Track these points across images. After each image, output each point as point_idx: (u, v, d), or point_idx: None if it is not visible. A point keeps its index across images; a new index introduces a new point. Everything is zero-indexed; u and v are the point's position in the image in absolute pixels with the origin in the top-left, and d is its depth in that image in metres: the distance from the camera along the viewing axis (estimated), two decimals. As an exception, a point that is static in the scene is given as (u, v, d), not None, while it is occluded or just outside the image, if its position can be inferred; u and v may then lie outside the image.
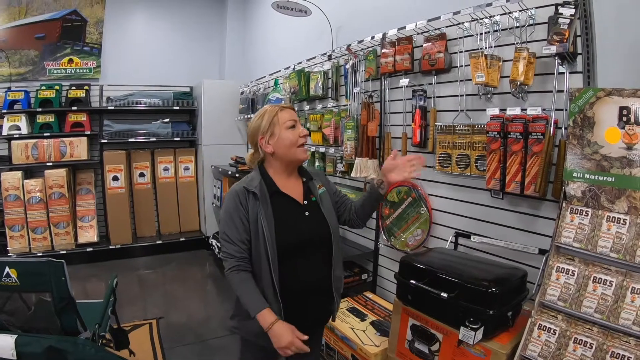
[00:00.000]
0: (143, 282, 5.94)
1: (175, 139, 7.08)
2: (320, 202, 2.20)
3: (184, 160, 7.25)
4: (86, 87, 6.67)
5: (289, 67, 5.10)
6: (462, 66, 2.98)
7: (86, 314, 2.66)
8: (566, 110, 2.36)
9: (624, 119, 1.99)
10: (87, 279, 5.85)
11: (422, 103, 3.28)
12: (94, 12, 6.94)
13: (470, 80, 2.84)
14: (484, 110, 2.81)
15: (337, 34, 4.52)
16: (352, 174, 3.74)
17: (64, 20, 6.78)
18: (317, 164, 4.57)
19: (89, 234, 6.57)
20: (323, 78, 4.41)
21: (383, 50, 3.53)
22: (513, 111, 2.59)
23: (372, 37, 3.69)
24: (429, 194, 3.36)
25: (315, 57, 4.60)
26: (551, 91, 2.48)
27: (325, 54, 4.43)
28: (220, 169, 6.33)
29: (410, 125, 3.38)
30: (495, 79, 2.73)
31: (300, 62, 4.87)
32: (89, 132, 6.58)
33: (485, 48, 2.77)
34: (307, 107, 4.82)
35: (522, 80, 2.51)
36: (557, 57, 2.37)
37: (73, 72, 6.95)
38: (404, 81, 3.32)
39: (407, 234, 3.48)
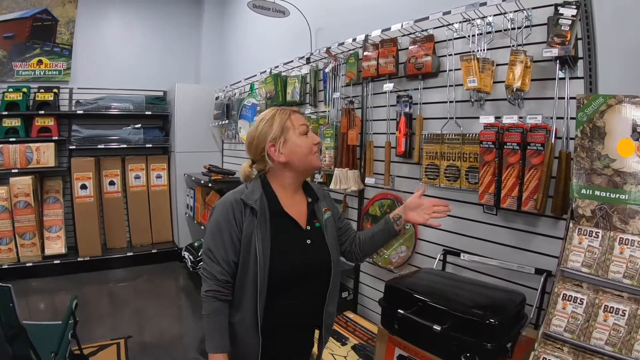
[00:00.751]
0: (112, 297, 5.56)
1: (147, 145, 6.73)
2: (324, 229, 1.93)
3: (156, 167, 6.89)
4: (55, 90, 6.30)
5: (265, 71, 4.80)
6: (451, 70, 2.75)
7: (45, 336, 2.44)
8: (565, 119, 2.18)
9: (639, 129, 1.74)
10: (55, 293, 5.51)
11: (407, 110, 3.01)
12: (66, 12, 6.61)
13: (460, 85, 2.64)
14: (476, 118, 2.57)
15: (316, 35, 4.24)
16: (331, 186, 3.46)
17: (34, 19, 6.46)
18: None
19: (56, 245, 6.17)
20: (301, 83, 4.13)
21: (365, 53, 3.26)
22: (510, 119, 2.34)
23: (354, 39, 3.42)
24: (415, 208, 3.07)
25: (292, 61, 4.32)
26: (549, 98, 2.26)
27: (303, 57, 4.15)
28: (193, 178, 5.99)
29: (394, 133, 3.12)
30: (488, 84, 2.50)
31: (277, 66, 4.58)
32: (56, 138, 6.22)
33: (478, 51, 2.54)
34: (284, 114, 4.50)
35: (519, 85, 2.29)
36: (557, 61, 2.16)
37: (42, 73, 6.61)
38: (388, 86, 3.04)
39: (390, 251, 3.20)
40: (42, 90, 6.21)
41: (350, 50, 3.56)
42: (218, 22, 7.30)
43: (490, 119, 2.43)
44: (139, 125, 6.77)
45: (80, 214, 6.28)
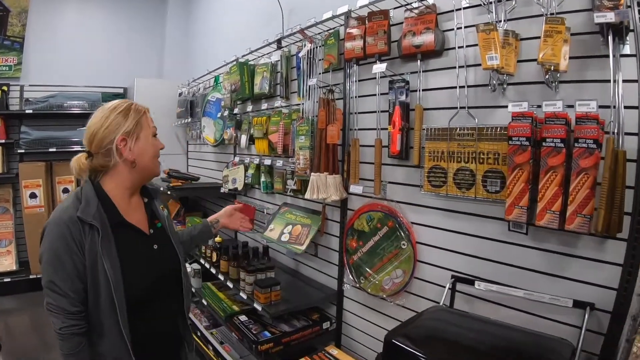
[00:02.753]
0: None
1: (104, 148, 5.84)
2: (166, 227, 1.87)
3: (115, 172, 6.02)
4: (4, 88, 5.60)
5: (232, 60, 4.04)
6: (460, 47, 2.09)
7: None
8: (615, 107, 1.59)
9: None
10: (7, 314, 4.93)
11: (403, 98, 2.31)
12: (18, 1, 5.83)
13: (474, 65, 2.05)
14: (496, 107, 1.98)
15: (289, 18, 3.50)
16: (307, 195, 2.74)
17: None
18: (262, 179, 3.54)
19: (6, 262, 5.47)
20: (271, 71, 3.41)
21: (348, 30, 2.55)
22: (551, 107, 1.67)
23: (334, 15, 2.70)
24: (413, 223, 2.40)
25: (262, 47, 3.58)
26: (596, 81, 1.67)
27: (272, 42, 3.42)
28: (154, 184, 5.14)
29: (386, 129, 2.41)
30: (511, 64, 1.87)
31: (245, 55, 3.83)
32: (4, 141, 5.50)
33: (496, 22, 1.89)
34: (250, 109, 3.79)
35: (559, 63, 1.66)
36: (609, 31, 1.57)
37: None
38: (379, 67, 2.32)
39: (382, 275, 2.49)
40: (-12, 88, 5.47)
41: (329, 30, 2.86)
42: (184, 10, 6.52)
43: (522, 107, 1.74)
44: (95, 126, 5.88)
45: (30, 227, 5.47)
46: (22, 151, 5.54)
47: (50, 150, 5.63)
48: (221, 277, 3.25)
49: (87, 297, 1.56)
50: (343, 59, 2.67)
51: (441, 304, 2.08)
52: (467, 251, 2.15)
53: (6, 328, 4.54)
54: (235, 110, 4.01)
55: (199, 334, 3.72)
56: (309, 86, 2.87)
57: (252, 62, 3.74)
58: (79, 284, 1.54)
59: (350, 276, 2.69)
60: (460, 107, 2.07)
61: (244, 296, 2.88)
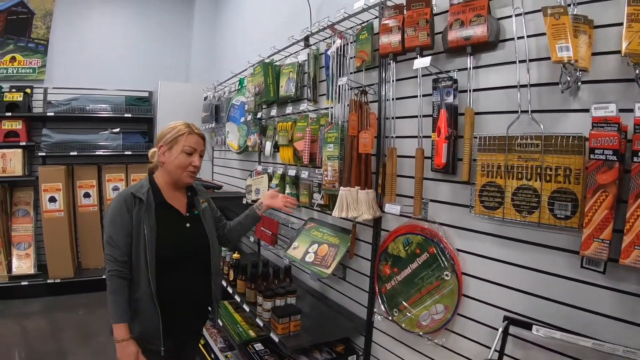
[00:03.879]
0: (79, 327, 4.57)
1: (127, 152, 5.66)
2: (202, 215, 2.26)
3: (137, 178, 5.73)
4: (27, 90, 5.47)
5: (256, 63, 3.71)
6: (520, 38, 1.72)
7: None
8: None
9: None
10: (23, 318, 4.75)
11: (450, 100, 1.95)
12: (43, 4, 5.76)
13: (537, 60, 1.68)
14: (570, 111, 1.60)
15: (317, 14, 3.15)
16: (335, 213, 2.39)
17: (9, 13, 5.64)
18: (287, 190, 3.20)
19: (25, 265, 5.27)
20: (297, 72, 3.08)
21: (384, 22, 2.20)
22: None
23: (367, 6, 2.34)
24: (459, 250, 2.03)
25: (289, 47, 3.25)
26: None
27: (300, 40, 3.08)
28: (199, 185, 4.87)
29: (429, 137, 2.04)
30: (585, 57, 1.50)
31: (271, 55, 3.52)
32: (24, 143, 5.31)
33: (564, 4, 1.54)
34: (274, 113, 3.46)
35: None
36: None
37: (15, 71, 5.73)
38: (422, 61, 1.95)
39: (419, 309, 2.12)
40: (13, 90, 5.38)
41: (362, 23, 2.51)
42: (211, 12, 6.28)
43: (609, 110, 1.35)
44: (118, 130, 5.75)
45: (49, 231, 5.28)
46: (44, 154, 5.38)
47: (72, 154, 5.44)
48: (237, 298, 2.93)
49: (132, 252, 2.02)
50: (378, 55, 2.32)
51: (492, 350, 1.70)
52: (524, 287, 1.77)
53: (22, 332, 4.38)
54: (259, 115, 3.69)
55: (212, 355, 3.39)
56: (339, 87, 2.51)
57: (278, 63, 3.42)
58: (127, 239, 2.01)
59: (382, 307, 2.33)
60: (522, 111, 1.70)
61: (260, 323, 2.56)
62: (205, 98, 5.35)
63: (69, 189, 5.53)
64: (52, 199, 5.27)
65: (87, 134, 5.62)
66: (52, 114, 5.38)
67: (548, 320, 1.67)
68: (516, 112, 1.71)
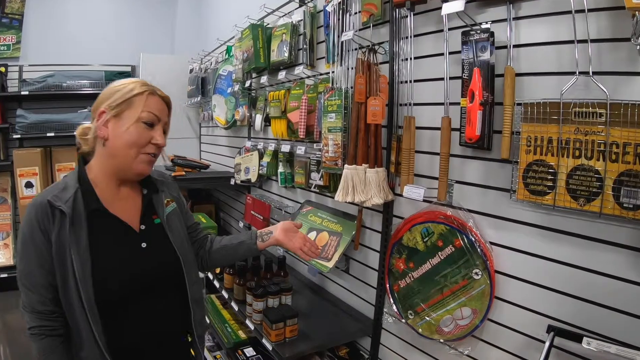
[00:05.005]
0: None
1: (107, 132, 5.20)
2: (166, 225, 1.53)
3: (121, 158, 5.36)
4: (1, 69, 5.01)
5: (245, 28, 3.22)
6: None
7: None
8: None
9: None
10: (5, 312, 4.44)
11: (485, 56, 1.53)
12: None
13: (596, 10, 1.29)
14: None
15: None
16: (338, 197, 1.99)
17: None
18: (280, 169, 2.80)
19: (4, 256, 4.91)
20: (291, 34, 2.65)
21: (398, -37, 1.76)
22: None
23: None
24: (493, 244, 1.64)
25: (282, 6, 2.83)
26: None
27: (294, -5, 2.65)
28: (165, 175, 4.44)
29: (457, 103, 1.64)
30: None
31: (263, 17, 3.08)
32: (-1, 125, 4.91)
33: None
34: (265, 80, 3.01)
35: None
36: None
37: None
38: (454, 5, 1.52)
39: (440, 313, 1.75)
40: (-15, 69, 4.97)
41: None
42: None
43: None
44: (97, 107, 5.26)
45: (26, 218, 4.86)
46: (19, 136, 4.95)
47: (49, 135, 4.99)
48: (225, 294, 2.55)
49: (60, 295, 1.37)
50: (389, 7, 1.91)
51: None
52: (573, 291, 1.42)
53: (4, 327, 4.10)
54: (248, 84, 3.25)
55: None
56: (342, 44, 2.09)
57: (270, 26, 2.98)
58: (47, 278, 1.34)
59: (394, 307, 1.95)
60: (580, 73, 1.30)
61: (251, 326, 2.18)
62: (191, 70, 4.90)
63: (47, 172, 5.10)
64: (29, 185, 4.88)
65: (65, 112, 5.15)
66: (27, 92, 4.93)
67: (602, 331, 1.35)
68: (570, 73, 1.32)
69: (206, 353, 2.95)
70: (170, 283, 1.51)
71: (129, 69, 5.60)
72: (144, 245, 1.45)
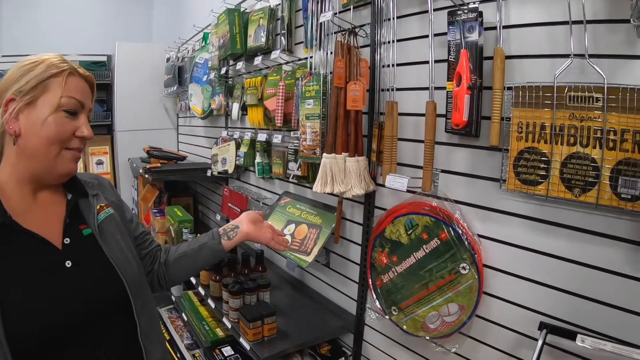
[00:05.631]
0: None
1: (83, 123, 5.01)
2: (98, 234, 1.19)
3: (96, 152, 5.19)
4: None
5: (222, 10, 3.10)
6: None
7: None
8: None
9: None
10: None
11: (473, 37, 1.43)
12: None
13: None
14: None
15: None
16: (317, 188, 1.88)
17: None
18: (257, 159, 2.69)
19: None
20: (269, 18, 2.52)
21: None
22: None
23: None
24: (481, 236, 1.55)
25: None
26: None
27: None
28: (135, 164, 4.30)
29: (443, 87, 1.54)
30: None
31: (241, 3, 2.94)
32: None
33: None
34: (241, 67, 2.87)
35: None
36: None
37: None
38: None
39: (426, 309, 1.66)
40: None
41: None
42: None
43: None
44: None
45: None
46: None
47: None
48: (201, 290, 2.43)
49: None
50: (371, -14, 1.79)
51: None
52: (567, 287, 1.34)
53: None
54: (224, 70, 3.12)
55: (178, 355, 2.90)
56: (321, 27, 1.98)
57: (247, 10, 2.85)
58: None
59: (377, 303, 1.85)
60: (575, 55, 1.21)
61: (228, 324, 2.07)
62: (168, 59, 4.73)
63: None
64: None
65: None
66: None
67: (593, 327, 1.29)
68: (565, 56, 1.23)
69: (185, 352, 2.84)
70: (110, 314, 1.15)
71: (104, 58, 5.34)
72: (68, 264, 1.10)
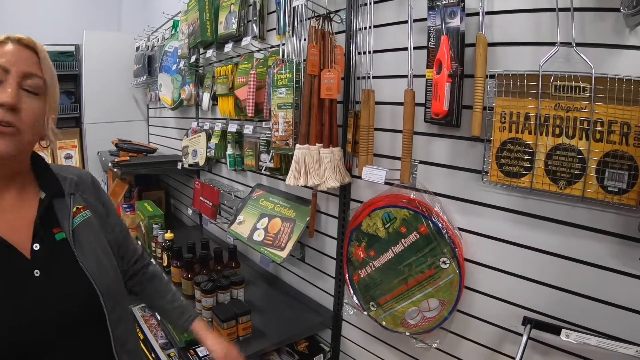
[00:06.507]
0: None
1: (51, 116, 4.81)
2: (72, 240, 1.03)
3: (64, 145, 4.94)
4: None
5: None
6: None
7: None
8: None
9: None
10: None
11: (454, 23, 1.35)
12: None
13: None
14: (630, 47, 1.09)
15: None
16: (290, 181, 1.79)
17: None
18: (229, 151, 2.58)
19: None
20: (240, 4, 2.40)
21: None
22: None
23: None
24: (462, 230, 1.50)
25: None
26: None
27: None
28: (104, 158, 4.12)
29: (422, 75, 1.47)
30: None
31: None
32: None
33: None
34: (212, 54, 2.74)
35: None
36: None
37: None
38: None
39: (405, 304, 1.60)
40: None
41: None
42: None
43: None
44: (35, 90, 4.86)
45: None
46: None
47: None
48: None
49: None
50: (346, -30, 1.70)
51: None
52: (551, 281, 1.31)
53: None
54: (193, 59, 3.00)
55: (153, 355, 2.79)
56: (294, 12, 1.88)
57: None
58: None
59: (355, 298, 1.78)
60: (561, 43, 1.15)
61: (201, 324, 1.97)
62: (138, 48, 4.56)
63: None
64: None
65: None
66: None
67: (580, 322, 1.26)
68: (550, 44, 1.17)
69: (159, 351, 2.73)
70: (83, 327, 1.02)
71: (72, 48, 5.06)
72: (37, 273, 0.96)
